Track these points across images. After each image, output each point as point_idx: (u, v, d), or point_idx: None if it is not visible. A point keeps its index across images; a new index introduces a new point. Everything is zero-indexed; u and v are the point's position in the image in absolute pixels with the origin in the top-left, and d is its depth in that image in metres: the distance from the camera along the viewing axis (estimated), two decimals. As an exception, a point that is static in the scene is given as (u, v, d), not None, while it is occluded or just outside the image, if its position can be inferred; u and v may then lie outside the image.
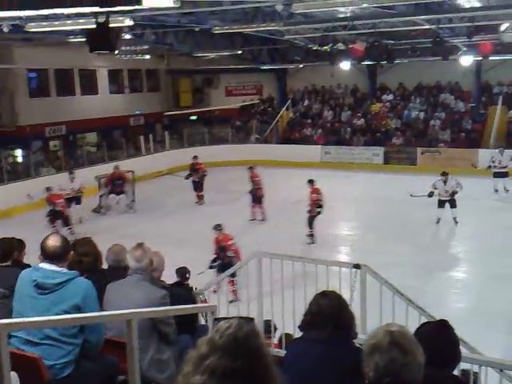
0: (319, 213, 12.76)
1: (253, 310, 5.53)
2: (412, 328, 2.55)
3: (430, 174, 19.07)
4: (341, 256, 11.64)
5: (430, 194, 13.74)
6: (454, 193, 13.42)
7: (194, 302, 4.96)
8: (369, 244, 12.26)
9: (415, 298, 5.04)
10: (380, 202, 15.98)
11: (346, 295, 3.42)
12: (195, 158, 17.46)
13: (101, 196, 16.44)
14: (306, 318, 2.80)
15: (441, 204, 13.61)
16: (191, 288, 5.66)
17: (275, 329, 5.34)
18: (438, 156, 20.90)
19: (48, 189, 13.74)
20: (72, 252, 3.53)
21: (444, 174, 13.73)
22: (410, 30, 15.55)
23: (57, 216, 13.58)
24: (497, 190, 16.99)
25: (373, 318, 4.90)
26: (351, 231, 14.41)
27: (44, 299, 3.11)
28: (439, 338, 2.53)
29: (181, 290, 4.96)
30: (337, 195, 17.01)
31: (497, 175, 16.94)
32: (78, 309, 3.09)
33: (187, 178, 17.04)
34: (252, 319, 2.90)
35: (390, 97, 24.32)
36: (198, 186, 17.04)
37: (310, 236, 12.70)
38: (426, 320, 4.20)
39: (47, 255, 3.22)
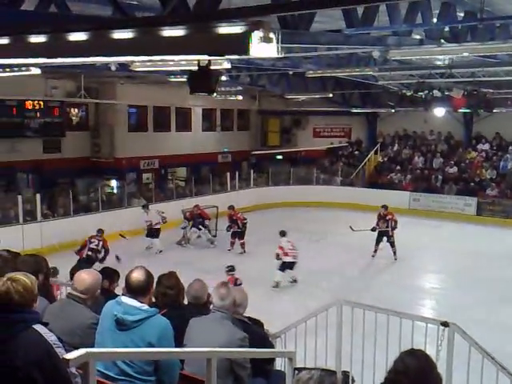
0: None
1: (331, 360, 5.37)
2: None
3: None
4: (425, 310, 11.12)
5: None
6: None
7: (270, 343, 4.89)
8: (455, 299, 11.63)
9: (505, 363, 4.69)
10: (470, 255, 15.18)
11: (431, 353, 3.25)
12: (231, 208, 16.44)
13: (183, 228, 16.87)
14: (390, 375, 2.67)
15: None
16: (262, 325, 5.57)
17: (353, 381, 5.14)
18: (536, 211, 19.67)
19: None
20: (154, 286, 3.61)
21: None
22: (512, 80, 14.96)
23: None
24: None
25: (459, 381, 4.62)
26: (437, 284, 13.73)
27: (123, 335, 3.17)
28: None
29: (260, 330, 4.91)
30: (424, 244, 16.42)
31: None
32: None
33: (228, 230, 16.23)
34: (334, 372, 2.80)
35: (486, 146, 23.37)
36: (241, 235, 16.16)
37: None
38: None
39: (130, 288, 3.31)
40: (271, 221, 19.15)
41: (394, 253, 14.86)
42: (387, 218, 15.07)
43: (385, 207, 15.51)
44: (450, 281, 13.83)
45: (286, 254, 12.36)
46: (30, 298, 2.70)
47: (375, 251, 15.11)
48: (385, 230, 14.99)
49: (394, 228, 14.98)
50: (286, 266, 12.39)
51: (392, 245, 14.95)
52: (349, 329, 5.41)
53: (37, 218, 15.48)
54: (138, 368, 3.13)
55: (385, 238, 15.06)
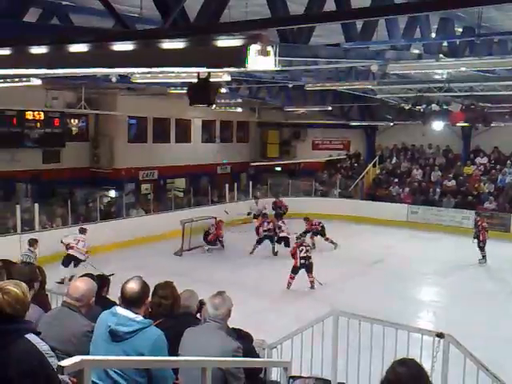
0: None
1: (326, 370, 5.38)
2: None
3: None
4: (422, 322, 11.09)
5: None
6: None
7: (256, 357, 4.81)
8: (453, 312, 11.61)
9: (499, 374, 4.71)
10: (469, 268, 15.21)
11: (426, 365, 3.26)
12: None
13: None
14: (383, 385, 2.68)
15: None
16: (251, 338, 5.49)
17: (349, 392, 5.15)
18: (534, 225, 19.70)
19: None
20: (149, 298, 3.60)
21: None
22: (510, 95, 15.04)
23: None
24: None
25: (454, 393, 4.63)
26: (435, 297, 13.71)
27: (116, 346, 3.16)
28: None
29: (244, 343, 4.85)
30: (422, 257, 16.42)
31: None
32: None
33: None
34: (329, 381, 2.78)
35: (484, 160, 23.45)
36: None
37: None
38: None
39: (124, 299, 3.29)
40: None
41: None
42: (478, 224, 16.48)
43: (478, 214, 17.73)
44: (448, 294, 13.81)
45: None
46: (21, 308, 2.69)
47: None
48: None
49: None
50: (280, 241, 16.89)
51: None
52: (345, 339, 5.43)
53: (35, 227, 15.46)
54: (131, 380, 3.10)
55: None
